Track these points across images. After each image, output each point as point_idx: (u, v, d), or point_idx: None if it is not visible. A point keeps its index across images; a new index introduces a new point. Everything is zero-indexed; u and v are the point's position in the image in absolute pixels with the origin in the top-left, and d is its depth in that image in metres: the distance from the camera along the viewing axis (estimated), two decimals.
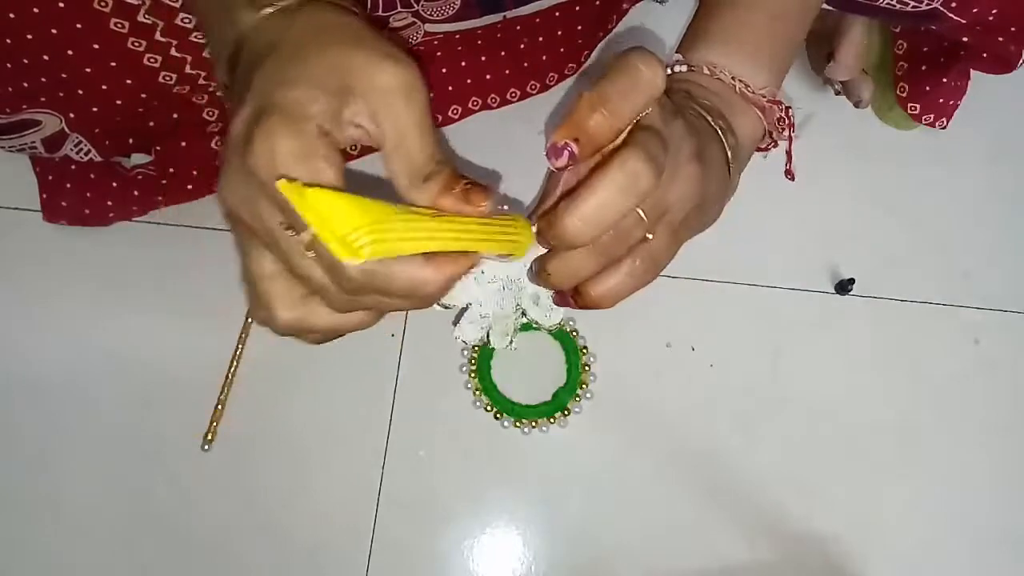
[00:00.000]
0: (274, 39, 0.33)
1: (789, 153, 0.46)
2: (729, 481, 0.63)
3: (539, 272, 0.36)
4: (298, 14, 0.34)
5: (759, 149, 0.45)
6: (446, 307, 0.44)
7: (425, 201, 0.32)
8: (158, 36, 0.48)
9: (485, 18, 0.57)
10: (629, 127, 0.33)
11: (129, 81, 0.50)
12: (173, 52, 0.50)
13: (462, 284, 0.41)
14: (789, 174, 0.47)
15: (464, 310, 0.45)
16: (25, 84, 0.48)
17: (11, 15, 0.43)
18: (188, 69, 0.52)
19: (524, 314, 0.45)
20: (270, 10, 0.34)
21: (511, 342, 0.45)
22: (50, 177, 0.61)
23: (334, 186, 0.30)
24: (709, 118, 0.39)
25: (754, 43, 0.42)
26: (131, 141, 0.60)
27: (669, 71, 0.42)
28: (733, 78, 0.42)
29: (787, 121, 0.44)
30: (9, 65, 0.46)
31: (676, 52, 0.43)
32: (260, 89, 0.32)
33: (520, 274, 0.42)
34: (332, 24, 0.34)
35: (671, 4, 0.68)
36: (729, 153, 0.40)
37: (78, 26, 0.45)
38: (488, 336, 0.45)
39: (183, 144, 0.61)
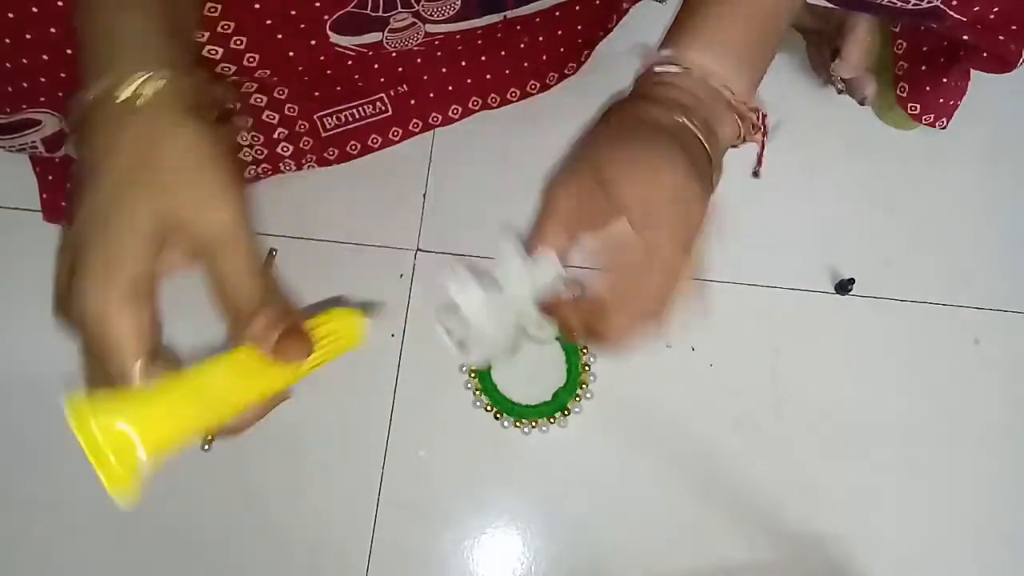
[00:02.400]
0: (98, 156, 0.33)
1: (760, 156, 0.46)
2: (729, 481, 0.63)
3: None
4: (128, 130, 0.33)
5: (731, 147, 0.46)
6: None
7: (247, 344, 0.34)
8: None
9: (486, 18, 0.57)
10: None
11: None
12: None
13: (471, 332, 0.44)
14: (757, 174, 0.48)
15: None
16: (25, 84, 0.48)
17: (10, 15, 0.43)
18: None
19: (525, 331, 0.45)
20: (114, 102, 0.34)
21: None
22: (50, 177, 0.61)
23: (138, 341, 0.32)
24: (703, 139, 0.40)
25: (739, 44, 0.43)
26: None
27: (658, 68, 0.42)
28: (723, 86, 0.42)
29: (762, 128, 0.44)
30: (8, 65, 0.46)
31: (664, 47, 0.43)
32: (78, 232, 0.33)
33: (520, 302, 0.42)
34: (155, 155, 0.33)
35: (671, 3, 0.68)
36: (712, 174, 0.41)
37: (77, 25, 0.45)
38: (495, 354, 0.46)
39: None
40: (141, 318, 0.32)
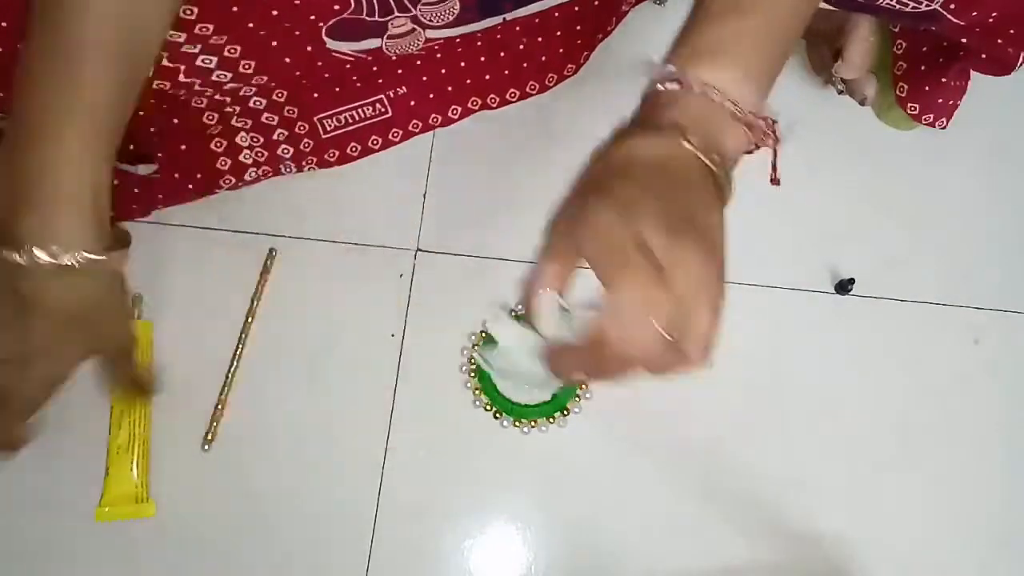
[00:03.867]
0: (35, 294, 0.43)
1: (774, 164, 0.46)
2: (729, 481, 0.63)
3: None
4: (55, 282, 0.43)
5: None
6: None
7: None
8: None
9: (485, 21, 0.57)
10: None
11: None
12: (165, 63, 0.50)
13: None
14: (774, 181, 0.47)
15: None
16: None
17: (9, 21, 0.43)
18: (182, 77, 0.52)
19: None
20: (56, 261, 0.43)
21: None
22: None
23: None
24: (703, 157, 0.39)
25: (746, 57, 0.42)
26: (132, 147, 0.60)
27: (660, 87, 0.42)
28: (725, 99, 0.41)
29: (773, 137, 0.43)
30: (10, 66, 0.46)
31: (667, 62, 0.43)
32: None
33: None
34: (82, 305, 0.46)
35: (670, 5, 0.68)
36: (721, 188, 0.40)
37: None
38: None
39: (183, 148, 0.61)
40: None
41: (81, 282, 0.44)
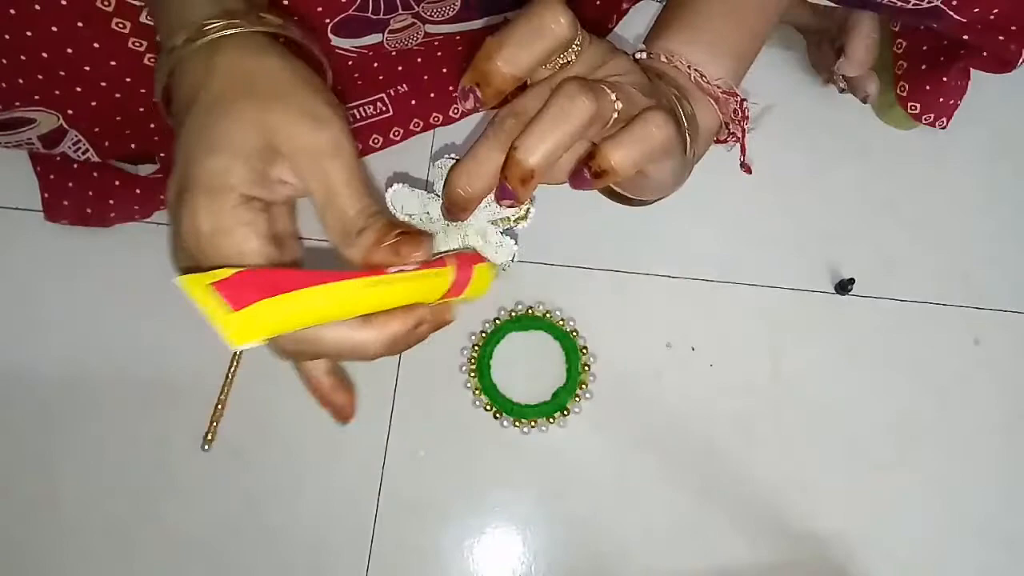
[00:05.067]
0: (196, 85, 0.33)
1: (743, 145, 0.46)
2: (729, 481, 0.63)
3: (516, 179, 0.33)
4: (220, 57, 0.34)
5: (718, 141, 0.45)
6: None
7: (358, 256, 0.34)
8: (159, 36, 0.48)
9: (486, 19, 0.57)
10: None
11: (129, 79, 0.50)
12: None
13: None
14: (744, 167, 0.47)
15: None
16: (20, 80, 0.47)
17: (12, 11, 0.43)
18: None
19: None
20: (198, 42, 0.34)
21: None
22: (52, 176, 0.61)
23: (259, 252, 0.32)
24: (676, 93, 0.39)
25: (713, 32, 0.42)
26: (133, 146, 0.60)
27: (635, 55, 0.42)
28: (688, 66, 0.41)
29: (742, 113, 0.43)
30: (5, 61, 0.46)
31: (644, 41, 0.44)
32: (183, 155, 0.32)
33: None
34: (253, 73, 0.34)
35: None
36: (686, 125, 0.39)
37: (79, 25, 0.45)
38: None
39: None
40: (255, 233, 0.32)
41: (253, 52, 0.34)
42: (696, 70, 0.41)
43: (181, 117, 0.33)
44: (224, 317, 0.28)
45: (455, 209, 0.34)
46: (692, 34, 0.42)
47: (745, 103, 0.43)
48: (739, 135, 0.44)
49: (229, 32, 0.34)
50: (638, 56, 0.42)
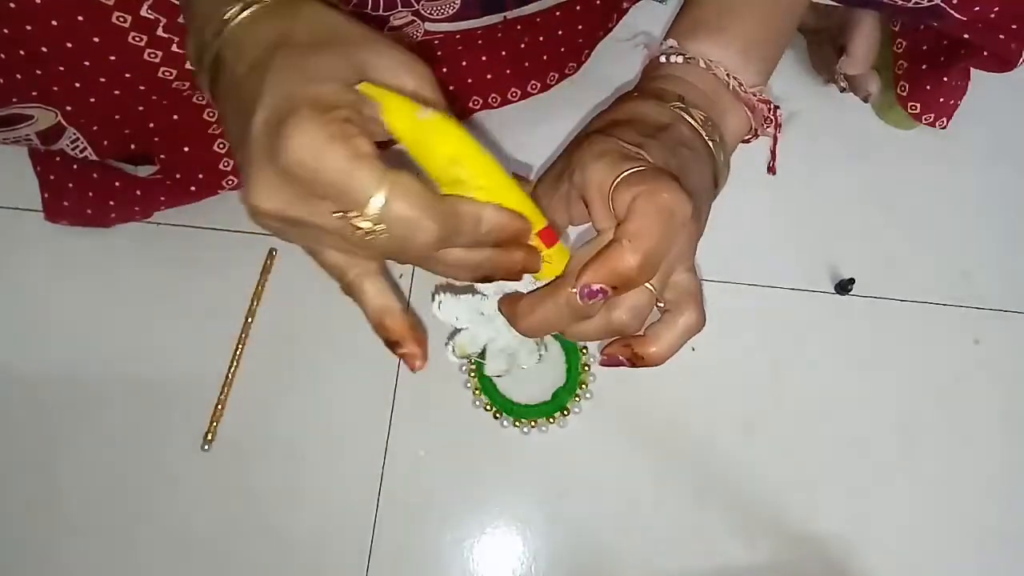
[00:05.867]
0: (274, 38, 0.32)
1: (774, 152, 0.46)
2: (729, 481, 0.63)
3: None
4: (300, 12, 0.33)
5: (742, 141, 0.45)
6: (465, 357, 0.46)
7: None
8: (160, 32, 0.48)
9: (486, 18, 0.57)
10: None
11: (128, 75, 0.50)
12: (174, 48, 0.49)
13: (471, 330, 0.45)
14: (772, 170, 0.47)
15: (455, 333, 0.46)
16: (18, 76, 0.47)
17: (11, 4, 0.43)
18: (188, 65, 0.51)
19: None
20: (256, 8, 0.33)
21: (540, 357, 0.47)
22: (52, 177, 0.61)
23: (375, 164, 0.29)
24: (704, 133, 0.39)
25: (746, 37, 0.42)
26: (133, 146, 0.60)
27: (663, 59, 0.42)
28: (728, 75, 0.41)
29: (774, 121, 0.43)
30: (3, 56, 0.46)
31: (668, 36, 0.43)
32: (277, 88, 0.30)
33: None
34: (339, 24, 0.33)
35: (671, 3, 0.68)
36: (718, 171, 0.39)
37: (80, 19, 0.45)
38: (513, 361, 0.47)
39: (186, 149, 0.61)
40: (364, 150, 0.29)
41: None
42: (735, 78, 0.41)
43: (251, 75, 0.31)
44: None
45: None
46: (727, 38, 0.41)
47: (779, 110, 0.43)
48: (771, 140, 0.44)
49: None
50: (669, 58, 0.41)
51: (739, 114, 0.42)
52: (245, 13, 0.33)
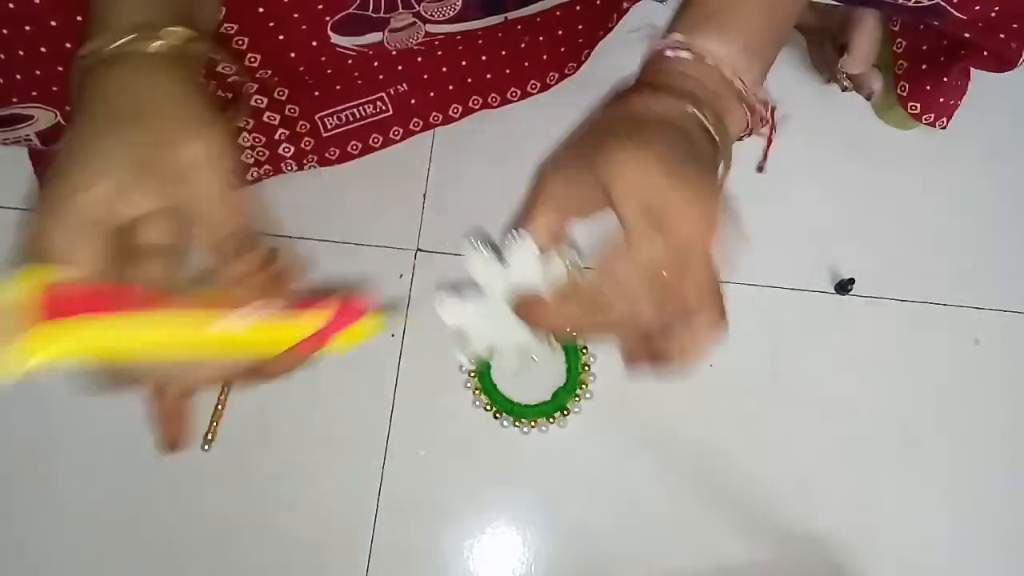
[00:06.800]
0: (89, 96, 0.34)
1: (767, 151, 0.46)
2: (729, 481, 0.63)
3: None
4: (113, 73, 0.34)
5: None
6: (477, 360, 0.46)
7: (224, 283, 0.33)
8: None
9: (487, 19, 0.57)
10: None
11: None
12: None
13: (476, 330, 0.43)
14: (761, 169, 0.47)
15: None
16: (18, 76, 0.47)
17: (11, 5, 0.43)
18: None
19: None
20: (104, 52, 0.34)
21: (551, 347, 0.46)
22: None
23: (92, 267, 0.31)
24: (716, 134, 0.39)
25: (752, 32, 0.41)
26: None
27: (669, 53, 0.41)
28: (734, 74, 0.41)
29: (770, 122, 0.43)
30: (2, 56, 0.45)
31: (673, 30, 0.42)
32: (53, 169, 0.32)
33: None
34: (138, 91, 0.33)
35: (671, 3, 0.68)
36: (723, 172, 0.39)
37: (79, 19, 0.45)
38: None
39: None
40: (95, 250, 0.31)
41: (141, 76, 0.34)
42: (740, 79, 0.41)
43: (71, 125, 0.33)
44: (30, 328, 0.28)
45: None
46: (731, 35, 0.41)
47: (775, 110, 0.43)
48: (762, 139, 0.44)
49: (139, 48, 0.34)
50: (680, 55, 0.41)
51: (739, 114, 0.42)
52: (89, 61, 0.34)
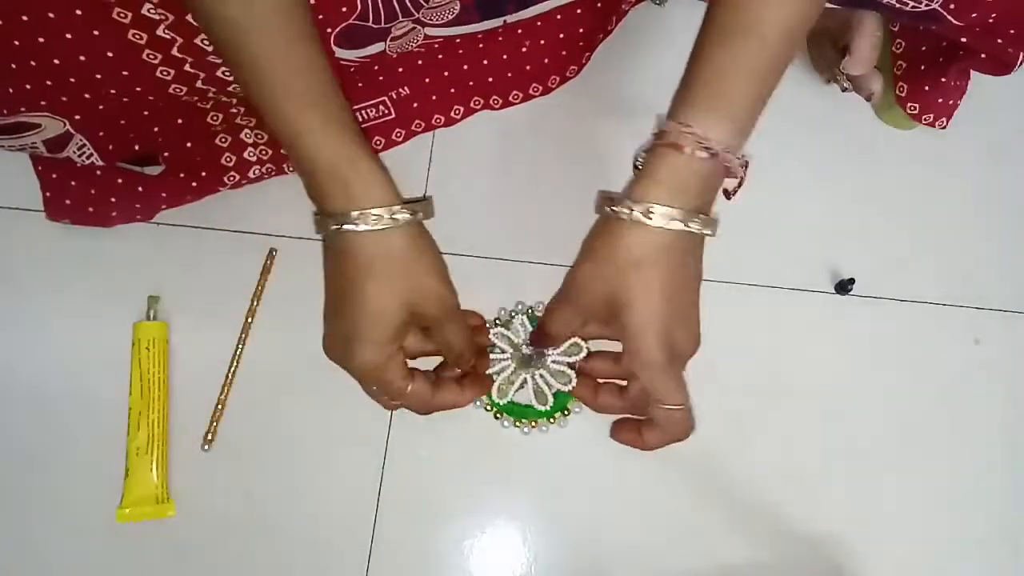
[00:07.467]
0: (358, 261, 0.49)
1: (735, 191, 0.52)
2: (729, 481, 0.63)
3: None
4: (375, 243, 0.48)
5: None
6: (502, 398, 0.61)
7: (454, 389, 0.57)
8: (175, 52, 0.48)
9: (485, 23, 0.57)
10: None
11: (139, 88, 0.51)
12: (187, 68, 0.50)
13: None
14: (728, 196, 0.52)
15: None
16: (28, 86, 0.47)
17: (24, 18, 0.43)
18: (199, 84, 0.52)
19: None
20: (367, 227, 0.48)
21: (571, 380, 0.60)
22: (54, 175, 0.61)
23: (402, 376, 0.53)
24: (705, 231, 0.48)
25: (742, 105, 0.47)
26: (137, 147, 0.60)
27: (666, 143, 0.47)
28: (732, 156, 0.47)
29: (743, 176, 0.49)
30: (14, 66, 0.46)
31: (675, 117, 0.47)
32: (350, 310, 0.49)
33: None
34: (399, 259, 0.49)
35: (670, 5, 0.68)
36: (709, 232, 0.49)
37: (95, 33, 0.45)
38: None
39: (188, 145, 0.61)
40: (401, 362, 0.53)
41: (396, 239, 0.49)
42: (739, 158, 0.47)
43: (339, 279, 0.50)
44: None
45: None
46: (720, 113, 0.46)
47: (747, 166, 0.49)
48: (738, 177, 0.50)
49: (385, 222, 0.48)
50: (693, 154, 0.46)
51: (723, 180, 0.49)
52: (369, 226, 0.48)
